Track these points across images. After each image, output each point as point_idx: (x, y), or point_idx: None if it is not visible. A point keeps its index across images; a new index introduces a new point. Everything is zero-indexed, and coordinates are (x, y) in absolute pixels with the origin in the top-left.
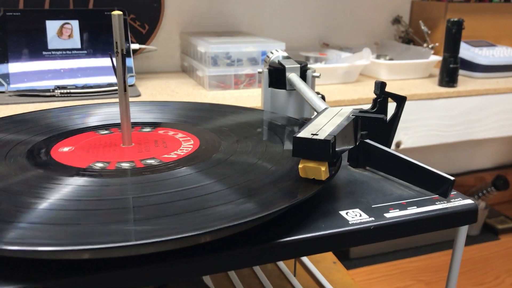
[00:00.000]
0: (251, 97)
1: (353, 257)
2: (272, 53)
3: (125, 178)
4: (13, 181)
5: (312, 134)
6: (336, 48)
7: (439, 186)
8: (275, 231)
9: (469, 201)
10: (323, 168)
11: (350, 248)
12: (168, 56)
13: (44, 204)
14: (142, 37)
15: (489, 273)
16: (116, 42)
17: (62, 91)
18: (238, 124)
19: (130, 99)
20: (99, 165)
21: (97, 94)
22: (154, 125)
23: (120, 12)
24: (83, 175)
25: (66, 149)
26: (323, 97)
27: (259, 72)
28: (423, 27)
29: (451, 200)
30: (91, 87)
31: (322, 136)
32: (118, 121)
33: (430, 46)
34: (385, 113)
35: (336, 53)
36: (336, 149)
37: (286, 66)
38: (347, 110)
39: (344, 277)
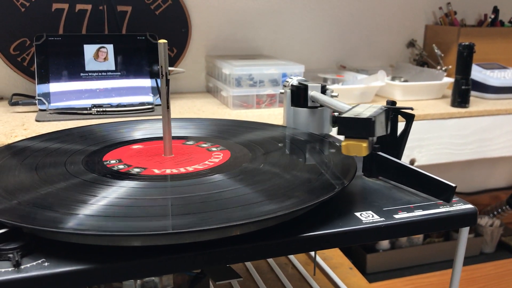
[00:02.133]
0: (272, 115)
1: (369, 272)
2: (291, 78)
3: (167, 182)
4: (71, 182)
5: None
6: (353, 70)
7: (443, 193)
8: (299, 227)
9: (469, 206)
10: (364, 145)
11: (366, 263)
12: (194, 78)
13: (101, 201)
14: (170, 60)
15: None
16: (161, 66)
17: (98, 109)
18: (265, 139)
19: (159, 117)
20: (150, 170)
21: (130, 112)
22: (190, 138)
23: (165, 41)
24: (133, 179)
25: (114, 158)
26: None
27: (281, 93)
28: (436, 51)
29: (454, 205)
30: (124, 106)
31: (363, 117)
32: (155, 135)
33: (443, 68)
34: (396, 129)
35: (353, 75)
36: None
37: (309, 84)
38: (379, 105)
39: (359, 281)
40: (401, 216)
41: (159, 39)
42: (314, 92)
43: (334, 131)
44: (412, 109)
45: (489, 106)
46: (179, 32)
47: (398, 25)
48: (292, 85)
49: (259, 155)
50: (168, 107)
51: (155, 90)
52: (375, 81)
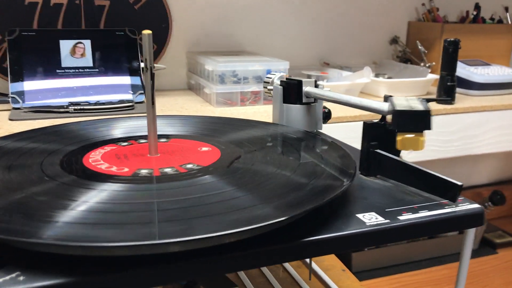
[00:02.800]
0: (257, 113)
1: (355, 271)
2: (273, 74)
3: (153, 184)
4: (48, 186)
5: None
6: (336, 67)
7: (448, 192)
8: (297, 231)
9: (476, 205)
10: (422, 138)
11: (352, 262)
12: (175, 75)
13: (81, 206)
14: None
15: (488, 287)
16: (146, 60)
17: (75, 107)
18: (257, 137)
19: (142, 114)
20: (132, 172)
21: (109, 110)
22: (177, 136)
23: (150, 32)
24: (116, 181)
25: (95, 158)
26: (329, 112)
27: (269, 89)
28: (420, 47)
29: (459, 205)
30: (103, 103)
31: (418, 109)
32: (138, 133)
33: (427, 65)
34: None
35: (338, 72)
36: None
37: (303, 80)
38: (413, 97)
39: (353, 284)
40: (406, 217)
41: (138, 35)
42: (308, 87)
43: (325, 128)
44: (450, 100)
45: (474, 103)
46: (159, 27)
47: (380, 21)
48: (282, 81)
49: (252, 154)
50: (153, 104)
51: (135, 88)
52: (361, 78)
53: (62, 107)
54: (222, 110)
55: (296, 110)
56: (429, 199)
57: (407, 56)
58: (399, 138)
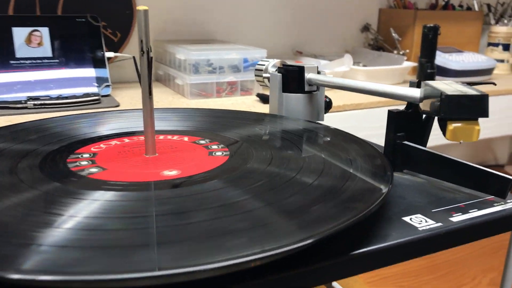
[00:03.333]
0: (236, 104)
1: None
2: (266, 61)
3: (152, 192)
4: (26, 196)
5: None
6: (310, 56)
7: (496, 187)
8: (344, 243)
9: None
10: (477, 127)
11: None
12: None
13: (68, 222)
14: (114, 45)
15: (466, 275)
16: (141, 41)
17: (35, 102)
18: (267, 132)
19: (109, 109)
20: (127, 176)
21: (73, 104)
22: (176, 132)
23: (146, 8)
24: (109, 189)
25: (81, 160)
26: (330, 101)
27: (265, 78)
28: (393, 34)
29: (508, 201)
30: (66, 97)
31: (474, 93)
32: (127, 129)
33: (401, 52)
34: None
35: (313, 61)
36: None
37: (306, 66)
38: (450, 81)
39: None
40: (459, 219)
41: (101, 22)
42: (311, 74)
43: (326, 118)
44: (495, 84)
45: None
46: (123, 14)
47: (352, 9)
48: (281, 68)
49: (266, 153)
50: (150, 94)
51: (100, 80)
52: (341, 66)
53: (19, 102)
54: (197, 102)
55: (297, 100)
56: (473, 196)
57: (379, 44)
58: (450, 127)
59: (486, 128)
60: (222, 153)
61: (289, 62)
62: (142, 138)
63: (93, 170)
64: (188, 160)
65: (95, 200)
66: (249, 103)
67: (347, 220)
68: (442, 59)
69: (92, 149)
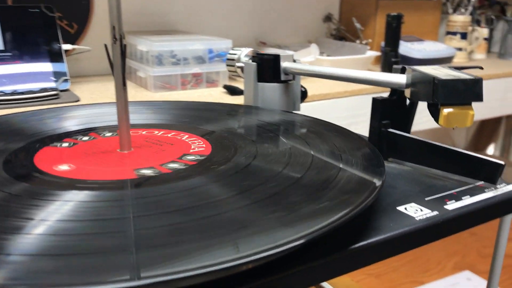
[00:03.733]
0: (202, 97)
1: None
2: (238, 50)
3: (128, 190)
4: None
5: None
6: (274, 47)
7: (487, 173)
8: (342, 238)
9: None
10: (471, 112)
11: None
12: (99, 58)
13: (38, 227)
14: (70, 37)
15: (431, 260)
16: (114, 27)
17: None
18: (251, 125)
19: (68, 104)
20: (101, 174)
21: (30, 100)
22: (151, 126)
23: None
24: (82, 188)
25: (50, 158)
26: (305, 91)
27: (238, 67)
28: (356, 24)
29: (497, 187)
30: (22, 93)
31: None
32: (98, 124)
33: (363, 42)
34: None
35: (280, 52)
36: None
37: (281, 54)
38: (438, 66)
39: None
40: (454, 206)
41: (57, 12)
42: (287, 63)
43: (302, 108)
44: (482, 68)
45: None
46: (78, 4)
47: None
48: (255, 57)
49: (252, 146)
50: (124, 85)
51: (58, 74)
52: (308, 56)
53: None
54: (161, 95)
55: (273, 90)
56: (463, 183)
57: (341, 34)
58: (444, 113)
59: (479, 110)
60: (203, 148)
61: (262, 51)
62: (110, 133)
63: (64, 168)
64: (167, 155)
65: (68, 201)
66: (216, 95)
67: (345, 215)
68: (404, 48)
69: (60, 146)
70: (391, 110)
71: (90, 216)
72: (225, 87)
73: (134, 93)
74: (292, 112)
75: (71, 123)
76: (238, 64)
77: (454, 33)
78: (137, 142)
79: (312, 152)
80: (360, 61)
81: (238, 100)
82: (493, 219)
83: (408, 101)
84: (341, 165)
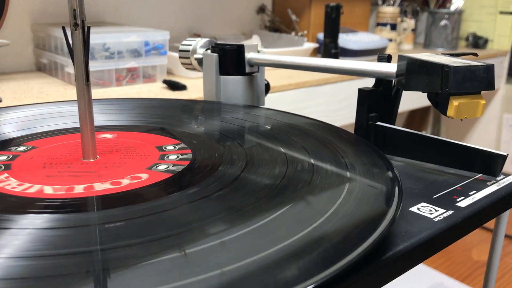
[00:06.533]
0: (141, 93)
1: None
2: (193, 40)
3: (96, 213)
4: None
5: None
6: (210, 39)
7: (484, 165)
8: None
9: None
10: (482, 102)
11: None
12: (17, 53)
13: None
14: None
15: None
16: (74, 10)
17: None
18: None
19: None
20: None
21: None
22: (119, 128)
23: None
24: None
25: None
26: (268, 84)
27: (196, 59)
28: (291, 15)
29: (498, 179)
30: None
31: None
32: (52, 127)
33: (299, 34)
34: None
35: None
36: None
37: (246, 44)
38: (435, 54)
39: None
40: (466, 203)
41: None
42: (252, 53)
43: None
44: (477, 54)
45: None
46: None
47: None
48: (215, 48)
49: (238, 154)
50: (88, 80)
51: None
52: None
53: None
54: (95, 92)
55: (236, 83)
56: (462, 177)
57: (276, 25)
58: (455, 103)
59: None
60: (177, 156)
61: (219, 42)
62: (71, 139)
63: (12, 183)
64: (138, 164)
65: (22, 229)
66: (156, 91)
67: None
68: (340, 39)
69: (1, 157)
70: (376, 102)
71: (52, 250)
72: (165, 81)
73: (64, 90)
74: (275, 110)
75: (8, 129)
76: (196, 56)
77: (385, 24)
78: (102, 148)
79: (302, 158)
80: (299, 53)
81: (180, 95)
82: (499, 214)
83: (393, 92)
84: (348, 176)
